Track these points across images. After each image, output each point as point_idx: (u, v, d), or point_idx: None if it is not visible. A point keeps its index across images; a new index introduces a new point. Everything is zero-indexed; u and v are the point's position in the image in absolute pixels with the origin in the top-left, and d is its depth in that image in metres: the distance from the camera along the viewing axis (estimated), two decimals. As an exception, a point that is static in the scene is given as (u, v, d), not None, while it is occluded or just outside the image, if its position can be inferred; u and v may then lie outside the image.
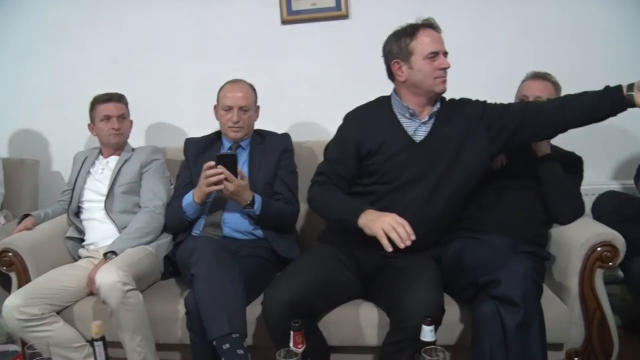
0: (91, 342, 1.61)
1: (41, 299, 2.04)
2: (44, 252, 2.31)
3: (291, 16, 2.72)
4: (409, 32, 1.95)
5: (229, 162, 2.08)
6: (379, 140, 1.95)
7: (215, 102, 2.38)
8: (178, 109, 2.88)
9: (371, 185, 1.98)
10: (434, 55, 1.92)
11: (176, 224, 2.31)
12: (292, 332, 1.47)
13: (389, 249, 1.69)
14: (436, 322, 1.63)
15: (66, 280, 2.17)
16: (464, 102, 2.07)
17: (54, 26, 2.92)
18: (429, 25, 1.96)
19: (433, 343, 1.40)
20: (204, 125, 2.62)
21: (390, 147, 1.95)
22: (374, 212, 1.79)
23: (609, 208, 2.11)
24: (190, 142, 2.46)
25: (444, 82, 1.95)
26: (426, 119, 1.97)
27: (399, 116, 1.99)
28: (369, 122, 2.01)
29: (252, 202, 2.16)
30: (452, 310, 1.91)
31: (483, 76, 2.67)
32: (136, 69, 2.88)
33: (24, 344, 1.69)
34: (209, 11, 2.79)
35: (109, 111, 2.41)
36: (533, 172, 2.11)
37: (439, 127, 1.97)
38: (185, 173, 2.40)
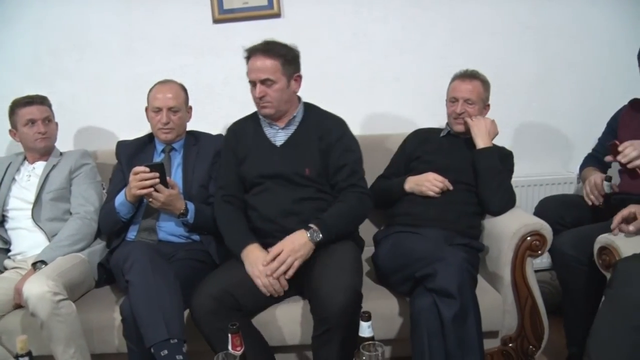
0: (16, 358, 1.54)
1: (-39, 316, 1.93)
2: (-37, 266, 2.18)
3: (223, 15, 2.68)
4: (245, 57, 2.06)
5: (158, 172, 2.03)
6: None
7: (146, 104, 2.31)
8: (108, 110, 2.78)
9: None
10: (252, 83, 2.03)
11: (110, 225, 2.23)
12: (229, 335, 1.45)
13: None
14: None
15: (-10, 293, 2.05)
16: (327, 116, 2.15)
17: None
18: (256, 50, 2.02)
19: (372, 338, 1.42)
20: (137, 127, 2.53)
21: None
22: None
23: (551, 215, 2.17)
24: (122, 145, 2.38)
25: (263, 108, 2.04)
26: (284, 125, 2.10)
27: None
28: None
29: (186, 210, 2.12)
30: (390, 304, 1.95)
31: (415, 74, 2.73)
32: (62, 70, 2.76)
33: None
34: (140, 9, 2.71)
35: (33, 115, 2.30)
36: (466, 166, 2.17)
37: (298, 133, 2.08)
38: (119, 176, 2.32)
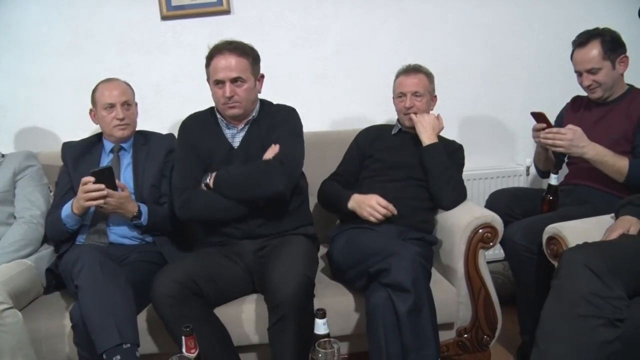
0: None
1: None
2: None
3: (171, 12, 2.62)
4: (208, 57, 2.04)
5: (107, 176, 1.97)
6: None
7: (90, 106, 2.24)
8: (52, 111, 2.67)
9: None
10: (219, 83, 1.99)
11: (57, 235, 2.16)
12: (183, 337, 1.43)
13: None
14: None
15: None
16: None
17: None
18: (223, 49, 1.99)
19: (327, 335, 1.41)
20: (83, 127, 2.49)
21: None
22: None
23: (501, 207, 2.21)
24: (68, 147, 2.30)
25: (232, 108, 2.01)
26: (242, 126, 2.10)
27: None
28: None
29: (139, 213, 2.07)
30: (346, 300, 1.95)
31: (366, 70, 2.74)
32: (0, 69, 2.65)
33: None
34: (84, 5, 2.61)
35: None
36: (417, 163, 2.19)
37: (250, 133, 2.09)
38: (65, 179, 2.24)
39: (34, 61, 2.65)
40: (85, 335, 1.75)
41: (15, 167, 2.25)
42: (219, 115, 2.11)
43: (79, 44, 2.65)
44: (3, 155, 2.33)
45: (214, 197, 2.00)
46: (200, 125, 2.13)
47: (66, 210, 2.07)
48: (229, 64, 1.96)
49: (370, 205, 2.07)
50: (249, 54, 2.00)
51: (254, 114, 2.10)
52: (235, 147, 2.08)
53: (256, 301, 1.97)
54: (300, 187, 2.14)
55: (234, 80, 1.97)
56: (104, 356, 1.69)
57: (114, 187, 1.99)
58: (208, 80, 2.05)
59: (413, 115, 2.22)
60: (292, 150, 2.04)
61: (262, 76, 2.09)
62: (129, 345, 1.72)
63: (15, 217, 2.21)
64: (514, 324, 2.23)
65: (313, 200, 2.34)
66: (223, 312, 1.91)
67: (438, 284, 1.99)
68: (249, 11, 2.64)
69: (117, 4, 2.62)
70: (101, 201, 1.97)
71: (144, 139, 2.30)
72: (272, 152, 2.01)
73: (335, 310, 1.89)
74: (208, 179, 2.01)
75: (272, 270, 1.78)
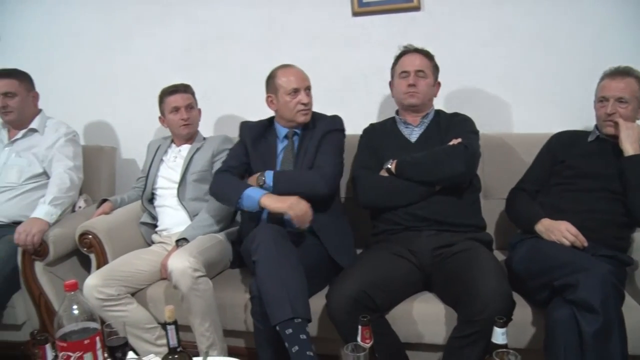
0: (164, 325, 1.67)
1: (117, 281, 2.13)
2: (120, 236, 2.41)
3: (362, 8, 2.68)
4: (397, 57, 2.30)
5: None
6: None
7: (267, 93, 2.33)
8: (245, 100, 2.89)
9: None
10: (404, 73, 2.20)
11: (223, 198, 2.23)
12: (360, 327, 1.46)
13: None
14: (508, 318, 1.62)
15: (140, 264, 2.25)
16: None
17: (129, 21, 3.01)
18: (412, 50, 2.25)
19: (505, 346, 1.36)
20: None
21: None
22: None
23: None
24: (246, 126, 2.38)
25: (411, 96, 2.19)
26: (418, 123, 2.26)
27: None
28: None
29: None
30: (524, 312, 1.86)
31: (559, 72, 2.56)
32: (207, 61, 2.92)
33: (102, 322, 1.77)
34: (281, 4, 2.79)
35: (177, 102, 2.47)
36: (615, 173, 2.00)
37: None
38: (240, 151, 2.33)
39: (235, 54, 2.89)
40: (261, 307, 1.87)
41: (214, 149, 2.49)
42: (397, 117, 2.24)
43: (273, 39, 2.83)
44: (204, 138, 2.59)
45: (392, 181, 2.10)
46: (379, 129, 2.30)
47: (256, 194, 2.08)
48: (415, 60, 2.20)
49: (559, 229, 1.94)
50: (431, 59, 2.24)
51: (430, 113, 2.22)
52: (413, 142, 2.18)
53: (427, 300, 1.98)
54: (474, 186, 2.16)
55: (417, 72, 2.17)
56: (277, 328, 1.79)
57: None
58: (391, 82, 2.22)
59: (620, 120, 1.99)
60: (473, 143, 2.12)
61: (439, 83, 2.28)
62: (300, 320, 1.79)
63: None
64: None
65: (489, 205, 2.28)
66: (393, 309, 1.95)
67: (631, 309, 1.80)
68: (439, 6, 2.60)
69: (311, 3, 2.75)
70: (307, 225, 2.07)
71: (313, 122, 2.30)
72: (453, 142, 2.10)
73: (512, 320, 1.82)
74: (390, 164, 2.10)
75: (478, 280, 1.75)
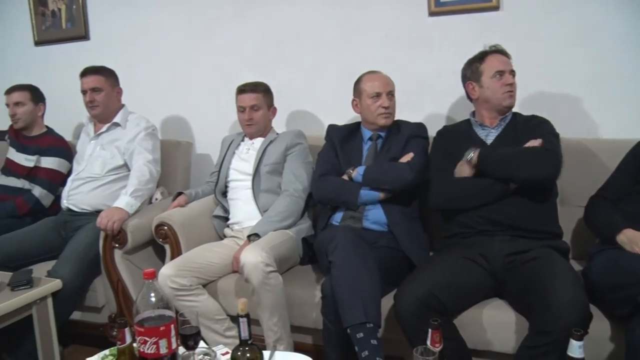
0: (235, 317, 1.71)
1: (190, 271, 2.21)
2: (194, 229, 2.50)
3: (439, 8, 2.64)
4: (479, 56, 2.21)
5: None
6: None
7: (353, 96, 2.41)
8: (319, 97, 2.93)
9: None
10: (500, 73, 2.13)
11: (332, 196, 2.33)
12: (430, 330, 1.45)
13: None
14: (585, 331, 1.54)
15: (212, 256, 2.31)
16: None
17: (208, 21, 3.11)
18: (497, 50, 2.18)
19: (582, 360, 1.31)
20: (343, 115, 2.66)
21: None
22: None
23: None
24: (333, 128, 2.50)
25: (510, 97, 2.14)
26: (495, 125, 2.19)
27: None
28: None
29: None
30: (601, 326, 1.78)
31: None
32: (282, 59, 2.97)
33: (176, 311, 1.84)
34: (356, 2, 2.79)
35: (243, 102, 2.54)
36: None
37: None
38: (330, 153, 2.43)
39: (309, 53, 2.93)
40: (333, 307, 1.90)
41: (287, 142, 2.53)
42: (472, 118, 2.22)
43: (348, 38, 2.83)
44: (278, 133, 2.64)
45: (467, 181, 2.06)
46: (453, 131, 2.26)
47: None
48: (505, 59, 2.15)
49: None
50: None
51: (508, 115, 2.17)
52: (489, 144, 2.13)
53: (498, 307, 1.93)
54: (552, 191, 2.09)
55: (512, 72, 2.14)
56: (348, 331, 1.81)
57: None
58: (477, 79, 2.15)
59: None
60: (555, 145, 2.03)
61: None
62: (372, 325, 1.81)
63: (281, 188, 2.49)
64: None
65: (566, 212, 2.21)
66: (462, 314, 1.91)
67: None
68: (519, 6, 2.52)
69: (387, 1, 2.73)
70: None
71: (397, 128, 2.39)
72: (533, 143, 2.03)
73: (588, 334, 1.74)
74: (472, 154, 2.05)
75: (553, 289, 1.69)
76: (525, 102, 2.45)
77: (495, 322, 1.90)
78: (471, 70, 2.20)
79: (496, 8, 2.55)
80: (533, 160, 1.98)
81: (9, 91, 2.94)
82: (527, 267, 1.88)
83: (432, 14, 2.66)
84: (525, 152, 2.01)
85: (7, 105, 2.94)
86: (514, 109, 2.22)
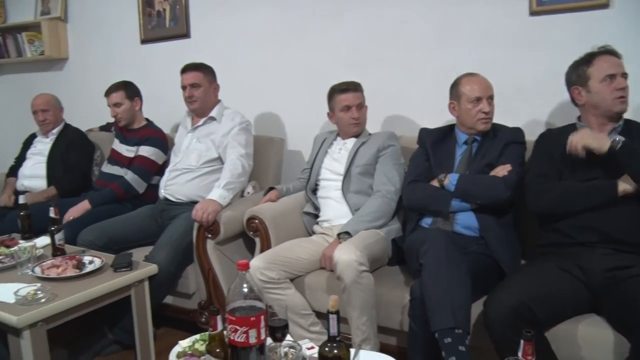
0: (323, 313, 1.73)
1: (278, 265, 2.25)
2: (284, 223, 2.55)
3: (541, 7, 2.53)
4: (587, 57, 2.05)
5: None
6: None
7: (447, 97, 2.36)
8: (414, 98, 2.89)
9: None
10: (611, 77, 1.98)
11: (425, 203, 2.27)
12: (522, 341, 1.40)
13: None
14: None
15: (301, 251, 2.35)
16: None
17: (304, 19, 3.15)
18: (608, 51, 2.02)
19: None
20: (438, 117, 2.60)
21: None
22: None
23: None
24: (425, 131, 2.46)
25: (622, 103, 1.98)
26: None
27: None
28: None
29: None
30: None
31: None
32: (377, 58, 2.96)
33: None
34: (454, 2, 2.74)
35: (349, 101, 2.53)
36: None
37: None
38: (422, 157, 2.40)
39: (404, 53, 2.89)
40: (421, 310, 1.87)
41: (379, 144, 2.52)
42: (579, 123, 2.08)
43: (445, 38, 2.78)
44: (370, 134, 2.64)
45: (570, 184, 1.97)
46: (558, 135, 2.11)
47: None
48: (617, 61, 2.00)
49: None
50: None
51: (620, 124, 2.02)
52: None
53: (595, 323, 1.82)
54: None
55: (624, 74, 1.99)
56: (436, 335, 1.78)
57: None
58: (584, 84, 2.02)
59: None
60: None
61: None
62: (460, 331, 1.77)
63: (372, 189, 2.48)
64: None
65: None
66: (555, 328, 1.83)
67: None
68: (630, 4, 2.35)
69: (485, 2, 2.66)
70: None
71: (494, 132, 2.32)
72: None
73: None
74: (616, 139, 1.90)
75: None
76: (638, 108, 2.30)
77: (591, 339, 1.80)
78: (577, 74, 2.06)
79: (605, 6, 2.41)
80: None
81: (107, 93, 3.14)
82: (630, 284, 1.77)
83: (533, 13, 2.55)
84: None
85: (109, 106, 3.14)
86: (626, 115, 2.08)
